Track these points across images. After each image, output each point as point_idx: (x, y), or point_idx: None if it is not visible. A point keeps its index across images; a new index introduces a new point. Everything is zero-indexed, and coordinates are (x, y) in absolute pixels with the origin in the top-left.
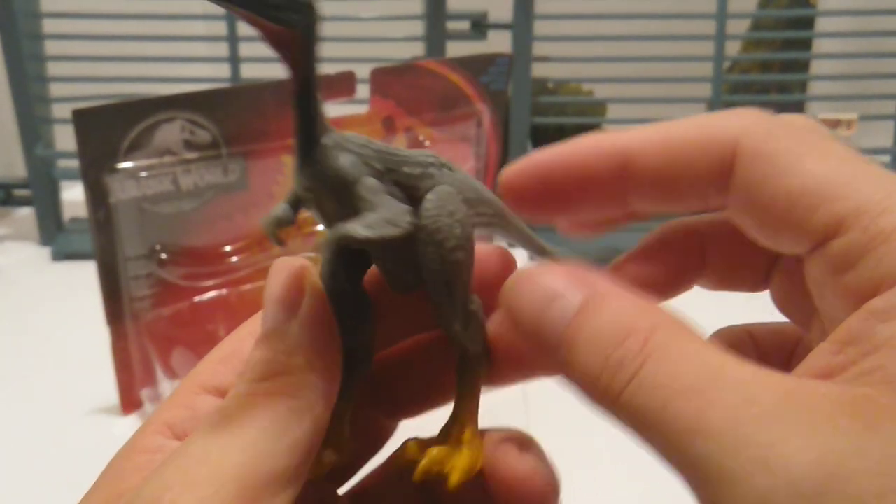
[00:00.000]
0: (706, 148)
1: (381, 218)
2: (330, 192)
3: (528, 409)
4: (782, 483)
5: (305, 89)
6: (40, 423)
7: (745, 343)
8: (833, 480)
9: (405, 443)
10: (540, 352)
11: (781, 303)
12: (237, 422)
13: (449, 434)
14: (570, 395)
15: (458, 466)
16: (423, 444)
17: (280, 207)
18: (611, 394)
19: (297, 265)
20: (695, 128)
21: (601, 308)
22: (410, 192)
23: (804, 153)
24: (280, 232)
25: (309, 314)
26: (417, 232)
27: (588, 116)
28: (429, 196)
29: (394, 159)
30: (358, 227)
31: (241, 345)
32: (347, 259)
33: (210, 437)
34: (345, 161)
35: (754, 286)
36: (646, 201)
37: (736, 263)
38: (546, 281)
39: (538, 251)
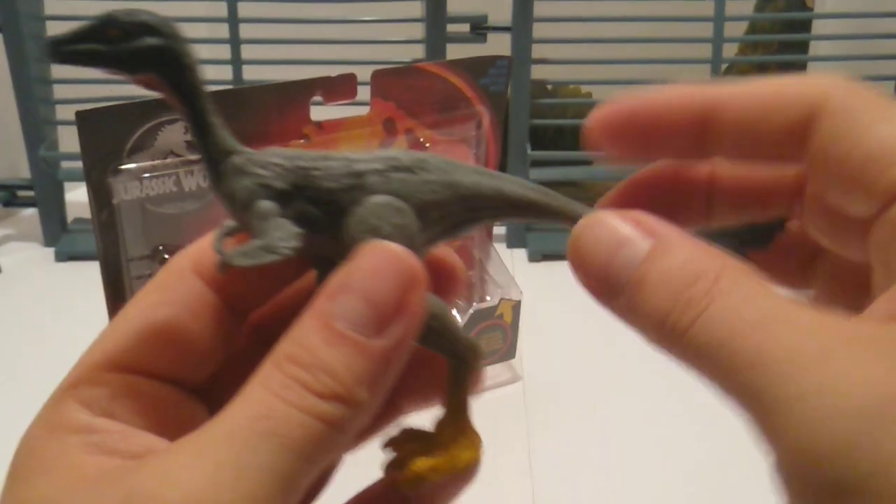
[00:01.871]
0: (790, 101)
1: (259, 245)
2: (237, 217)
3: (527, 410)
4: (840, 408)
5: (193, 121)
6: None
7: None
8: (891, 405)
9: (401, 438)
10: (602, 297)
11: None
12: (277, 440)
13: (437, 432)
14: (569, 395)
15: (416, 467)
16: (413, 441)
17: (219, 232)
18: (678, 331)
19: (408, 259)
20: (780, 84)
21: (670, 252)
22: (330, 207)
23: (884, 116)
24: (226, 241)
25: (403, 337)
26: (345, 251)
27: (587, 118)
28: (352, 212)
29: (312, 174)
30: (234, 256)
31: (153, 315)
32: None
33: (246, 446)
34: (238, 186)
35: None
36: (725, 151)
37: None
38: (615, 227)
39: (562, 217)
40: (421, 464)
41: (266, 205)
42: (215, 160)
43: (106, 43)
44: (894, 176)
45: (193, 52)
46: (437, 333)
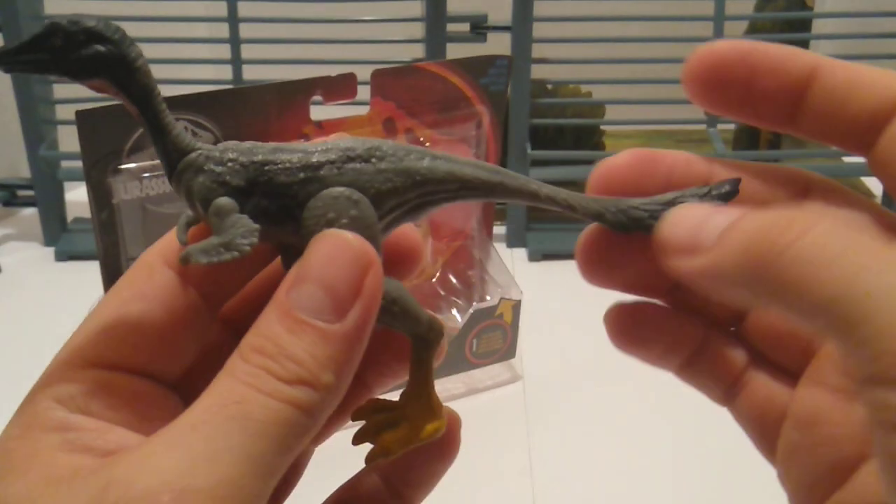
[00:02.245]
0: (886, 85)
1: (218, 243)
2: (196, 212)
3: (527, 410)
4: None
5: (147, 122)
6: None
7: None
8: None
9: (369, 406)
10: (688, 255)
11: None
12: (247, 424)
13: (406, 406)
14: (569, 395)
15: (382, 441)
16: (380, 407)
17: (180, 228)
18: (771, 256)
19: (361, 245)
20: (879, 70)
21: (760, 213)
22: (287, 201)
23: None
24: (190, 232)
25: (363, 320)
26: (305, 243)
27: (586, 118)
28: (308, 205)
29: (267, 170)
30: (194, 253)
31: (126, 310)
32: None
33: (220, 429)
34: (195, 184)
35: None
36: (811, 119)
37: None
38: (703, 207)
39: (520, 195)
40: (386, 437)
41: (224, 201)
42: (172, 159)
43: (51, 52)
44: (879, 98)
45: (141, 55)
46: (396, 315)
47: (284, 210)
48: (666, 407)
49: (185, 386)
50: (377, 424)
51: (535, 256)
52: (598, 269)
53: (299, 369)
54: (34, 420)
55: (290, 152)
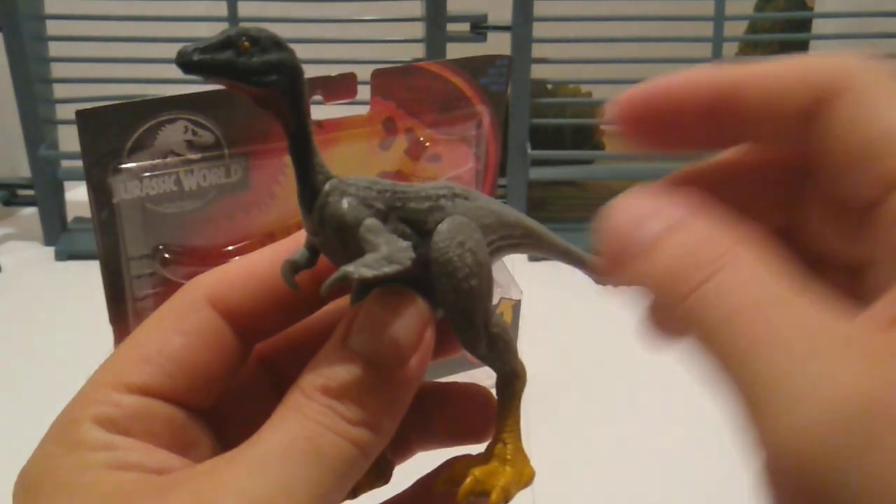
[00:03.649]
0: (805, 80)
1: (380, 257)
2: (335, 236)
3: (527, 410)
4: (829, 406)
5: (298, 142)
6: (43, 422)
7: None
8: (879, 404)
9: (451, 462)
10: (620, 264)
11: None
12: (319, 459)
13: (492, 452)
14: (569, 394)
15: (500, 484)
16: (469, 464)
17: (299, 252)
18: (678, 296)
19: (422, 303)
20: (792, 67)
21: (687, 226)
22: (419, 226)
23: (892, 96)
24: (297, 277)
25: (420, 370)
26: (431, 264)
27: (586, 118)
28: (438, 229)
29: (398, 197)
30: (359, 268)
31: (167, 342)
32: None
33: (282, 465)
34: (345, 206)
35: None
36: (740, 135)
37: None
38: (639, 205)
39: (574, 261)
40: (501, 481)
41: (374, 221)
42: (317, 181)
43: (236, 54)
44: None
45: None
46: (504, 347)
47: (417, 234)
48: (666, 406)
49: (215, 414)
50: (481, 476)
51: (535, 256)
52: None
53: (363, 413)
54: (77, 439)
55: (407, 186)
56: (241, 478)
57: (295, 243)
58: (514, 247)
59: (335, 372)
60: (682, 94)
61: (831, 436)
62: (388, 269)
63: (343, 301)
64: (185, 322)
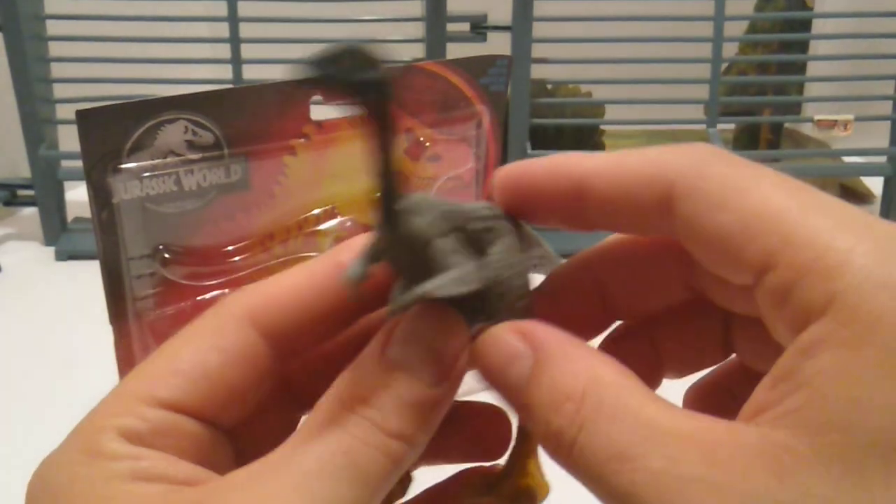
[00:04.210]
0: (650, 182)
1: (453, 278)
2: (407, 252)
3: None
4: None
5: (385, 158)
6: (43, 421)
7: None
8: None
9: (467, 474)
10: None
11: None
12: (356, 474)
13: (512, 470)
14: None
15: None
16: (485, 476)
17: (358, 263)
18: (561, 456)
19: (464, 325)
20: (640, 160)
21: (544, 371)
22: (477, 245)
23: (735, 187)
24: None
25: (453, 392)
26: (486, 283)
27: (586, 118)
28: (494, 250)
29: (460, 217)
30: (437, 287)
31: (203, 359)
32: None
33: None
34: (419, 226)
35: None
36: (603, 223)
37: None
38: (506, 342)
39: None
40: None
41: (443, 242)
42: (394, 196)
43: (341, 70)
44: (755, 251)
45: None
46: None
47: (476, 254)
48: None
49: (236, 431)
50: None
51: None
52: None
53: (402, 425)
54: (100, 449)
55: (461, 206)
56: (281, 494)
57: (332, 261)
58: (536, 267)
59: (375, 382)
60: (543, 181)
61: None
62: (461, 290)
63: (366, 317)
64: (223, 339)
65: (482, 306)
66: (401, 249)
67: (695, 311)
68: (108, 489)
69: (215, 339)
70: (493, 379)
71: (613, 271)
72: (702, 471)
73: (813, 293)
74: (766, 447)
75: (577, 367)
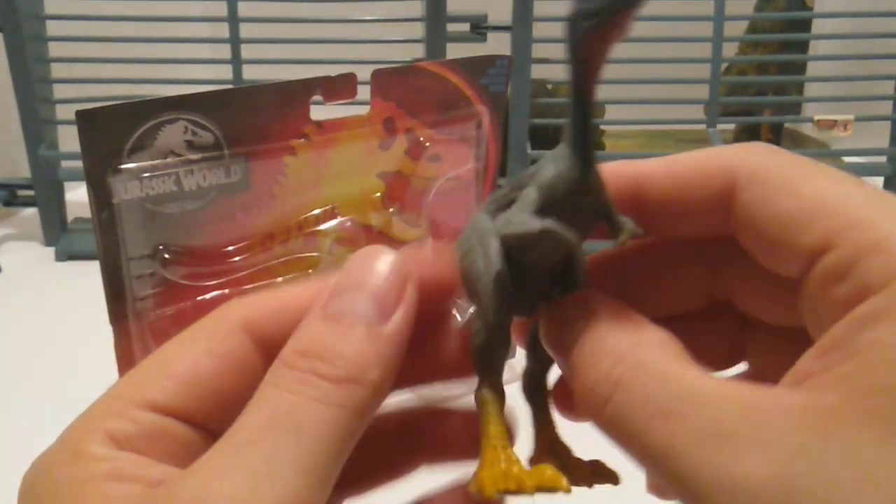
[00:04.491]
0: (709, 174)
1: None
2: (591, 212)
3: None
4: (743, 500)
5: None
6: (43, 421)
7: None
8: (788, 495)
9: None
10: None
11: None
12: (301, 435)
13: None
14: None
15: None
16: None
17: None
18: (592, 414)
19: (401, 259)
20: (699, 157)
21: (590, 332)
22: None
23: (797, 177)
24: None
25: (405, 325)
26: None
27: None
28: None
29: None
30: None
31: (197, 364)
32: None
33: (257, 440)
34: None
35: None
36: (658, 225)
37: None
38: (565, 308)
39: None
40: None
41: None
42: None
43: None
44: (815, 233)
45: None
46: None
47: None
48: None
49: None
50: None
51: None
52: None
53: (348, 365)
54: (83, 450)
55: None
56: (220, 477)
57: (327, 282)
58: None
59: (316, 332)
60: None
61: None
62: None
63: None
64: (218, 345)
65: (563, 275)
66: (588, 211)
67: (709, 319)
68: (84, 489)
69: (210, 345)
70: (551, 341)
71: (632, 273)
72: (745, 428)
73: (873, 270)
74: (811, 408)
75: (622, 329)
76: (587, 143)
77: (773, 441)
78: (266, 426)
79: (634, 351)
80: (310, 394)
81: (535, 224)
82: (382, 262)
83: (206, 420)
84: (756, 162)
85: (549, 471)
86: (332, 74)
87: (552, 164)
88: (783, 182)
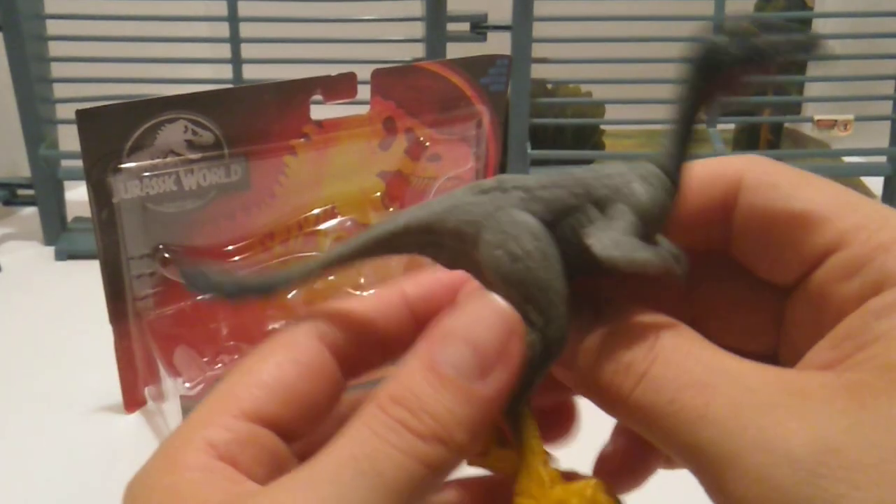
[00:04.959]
0: (717, 178)
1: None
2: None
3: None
4: (782, 459)
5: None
6: (43, 421)
7: None
8: (829, 454)
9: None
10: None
11: None
12: (377, 481)
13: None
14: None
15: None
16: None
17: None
18: (622, 395)
19: (515, 313)
20: (702, 165)
21: (613, 321)
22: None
23: (803, 183)
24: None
25: (502, 384)
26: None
27: (586, 117)
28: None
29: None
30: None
31: (282, 371)
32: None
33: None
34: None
35: None
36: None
37: None
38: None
39: None
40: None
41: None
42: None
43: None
44: (826, 233)
45: None
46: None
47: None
48: None
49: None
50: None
51: None
52: None
53: (436, 425)
54: (178, 457)
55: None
56: (292, 501)
57: (398, 289)
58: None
59: (413, 381)
60: None
61: (788, 483)
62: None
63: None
64: (298, 353)
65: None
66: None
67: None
68: (174, 497)
69: (291, 353)
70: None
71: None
72: (784, 399)
73: (887, 265)
74: (845, 384)
75: (655, 318)
76: (684, 174)
77: (813, 410)
78: (346, 464)
79: (670, 333)
80: (394, 442)
81: (657, 260)
82: (490, 311)
83: (292, 427)
84: (762, 169)
85: (589, 490)
86: (332, 74)
87: (644, 186)
88: (791, 187)
